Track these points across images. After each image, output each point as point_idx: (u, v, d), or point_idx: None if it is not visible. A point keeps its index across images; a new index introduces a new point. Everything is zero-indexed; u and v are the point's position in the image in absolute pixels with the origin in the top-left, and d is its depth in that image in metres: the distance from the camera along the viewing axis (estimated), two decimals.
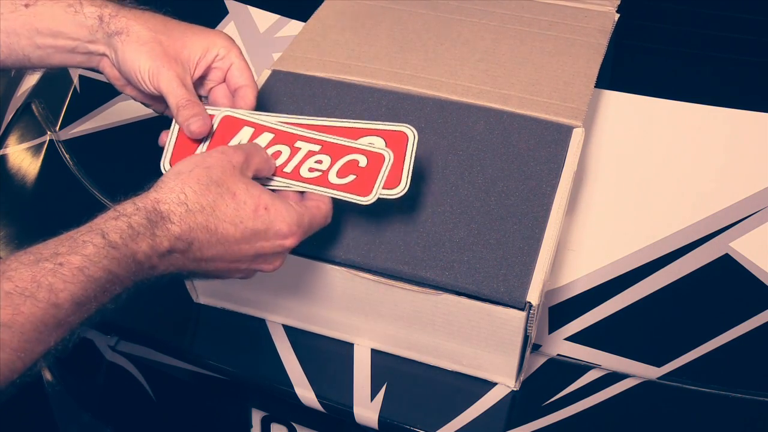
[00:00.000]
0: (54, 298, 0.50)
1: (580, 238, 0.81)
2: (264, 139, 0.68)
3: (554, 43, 0.89)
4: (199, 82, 0.77)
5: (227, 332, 0.77)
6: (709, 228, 0.81)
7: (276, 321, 0.76)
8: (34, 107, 1.03)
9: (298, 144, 0.68)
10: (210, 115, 0.71)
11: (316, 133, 0.69)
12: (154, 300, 0.79)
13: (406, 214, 0.71)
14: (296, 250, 0.69)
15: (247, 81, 0.75)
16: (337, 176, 0.66)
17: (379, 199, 0.64)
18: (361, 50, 0.88)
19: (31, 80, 1.08)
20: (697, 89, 0.95)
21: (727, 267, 0.78)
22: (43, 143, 0.98)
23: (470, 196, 0.72)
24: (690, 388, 0.70)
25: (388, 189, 0.65)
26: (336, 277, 0.69)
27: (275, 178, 0.66)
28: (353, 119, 0.70)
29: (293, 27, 1.04)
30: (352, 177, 0.66)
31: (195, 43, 0.74)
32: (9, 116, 1.05)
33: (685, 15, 1.01)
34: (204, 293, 0.78)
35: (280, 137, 0.68)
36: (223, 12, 1.08)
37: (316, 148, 0.68)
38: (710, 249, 0.79)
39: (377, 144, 0.68)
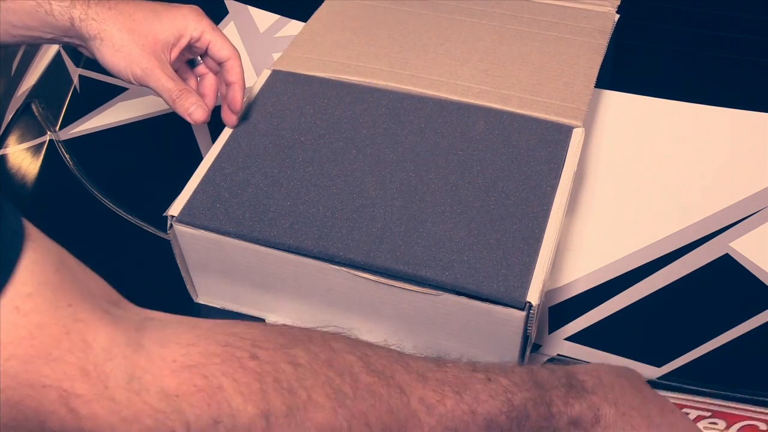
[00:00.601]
0: (476, 406, 0.52)
1: (580, 238, 0.81)
2: None
3: (554, 44, 0.89)
4: (189, 65, 0.80)
5: None
6: (709, 228, 0.81)
7: (276, 321, 0.76)
8: (34, 107, 1.03)
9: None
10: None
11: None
12: (154, 300, 0.79)
13: (406, 214, 0.71)
14: (296, 250, 0.69)
15: (230, 53, 0.77)
16: None
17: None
18: (361, 50, 0.88)
19: (31, 80, 1.08)
20: (697, 89, 0.95)
21: (727, 267, 0.78)
22: (43, 143, 0.98)
23: (470, 196, 0.72)
24: (690, 388, 0.70)
25: None
26: (336, 277, 0.69)
27: None
28: None
29: (293, 27, 1.04)
30: None
31: (166, 30, 0.74)
32: (9, 116, 1.05)
33: (685, 15, 1.01)
34: (204, 293, 0.78)
35: None
36: (223, 12, 1.08)
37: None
38: (710, 249, 0.79)
39: None
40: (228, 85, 0.78)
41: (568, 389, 0.55)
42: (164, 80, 0.73)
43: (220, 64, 0.78)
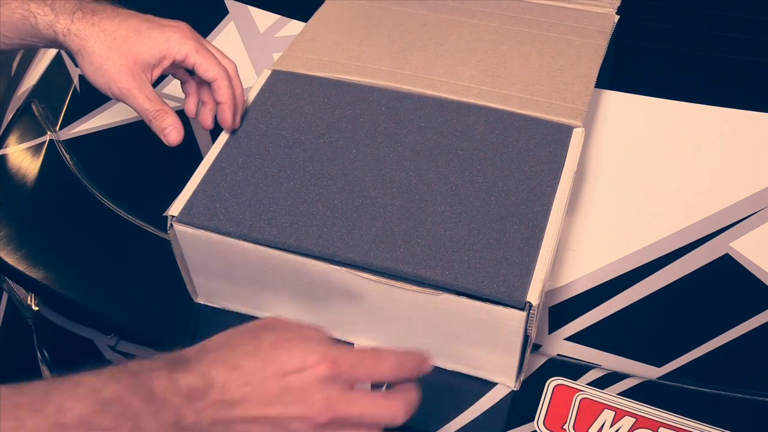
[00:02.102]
0: (61, 417, 0.48)
1: (580, 238, 0.81)
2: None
3: (554, 44, 0.89)
4: (182, 80, 0.80)
5: None
6: (709, 228, 0.81)
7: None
8: (34, 107, 1.03)
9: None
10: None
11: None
12: (154, 300, 0.80)
13: (406, 213, 0.71)
14: (297, 250, 0.69)
15: (215, 74, 0.76)
16: None
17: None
18: (361, 50, 0.88)
19: (31, 80, 1.08)
20: (698, 89, 0.95)
21: (727, 267, 0.78)
22: (43, 143, 0.98)
23: (470, 196, 0.72)
24: (690, 388, 0.70)
25: None
26: (336, 277, 0.69)
27: None
28: None
29: (293, 27, 1.04)
30: None
31: (148, 51, 0.75)
32: (9, 116, 1.05)
33: (685, 15, 1.01)
34: (204, 293, 0.78)
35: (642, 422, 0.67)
36: (223, 12, 1.08)
37: None
38: (710, 249, 0.79)
39: None
40: (217, 104, 0.78)
41: (171, 368, 0.52)
42: (141, 100, 0.75)
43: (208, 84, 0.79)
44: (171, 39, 0.76)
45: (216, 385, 0.52)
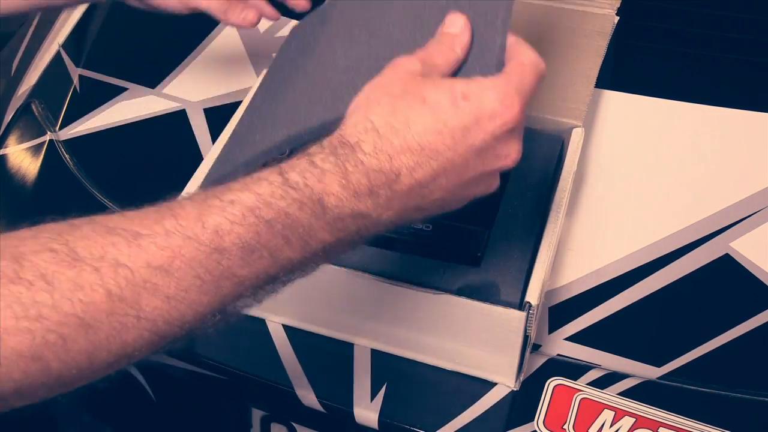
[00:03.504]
0: (219, 241, 0.42)
1: (580, 238, 0.81)
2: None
3: (554, 45, 0.89)
4: None
5: (227, 332, 0.77)
6: (709, 228, 0.81)
7: (276, 321, 0.76)
8: (33, 107, 1.03)
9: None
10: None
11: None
12: None
13: None
14: None
15: None
16: None
17: None
18: None
19: (31, 80, 1.08)
20: (697, 89, 0.95)
21: (727, 267, 0.78)
22: (43, 143, 0.97)
23: None
24: (690, 388, 0.70)
25: None
26: (336, 277, 0.69)
27: None
28: None
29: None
30: None
31: None
32: (9, 116, 1.05)
33: (685, 15, 1.01)
34: None
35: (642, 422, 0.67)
36: None
37: None
38: (710, 249, 0.79)
39: None
40: None
41: (345, 163, 0.45)
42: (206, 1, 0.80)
43: None
44: None
45: (403, 175, 0.47)
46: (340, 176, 0.45)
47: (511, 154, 0.50)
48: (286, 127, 0.61)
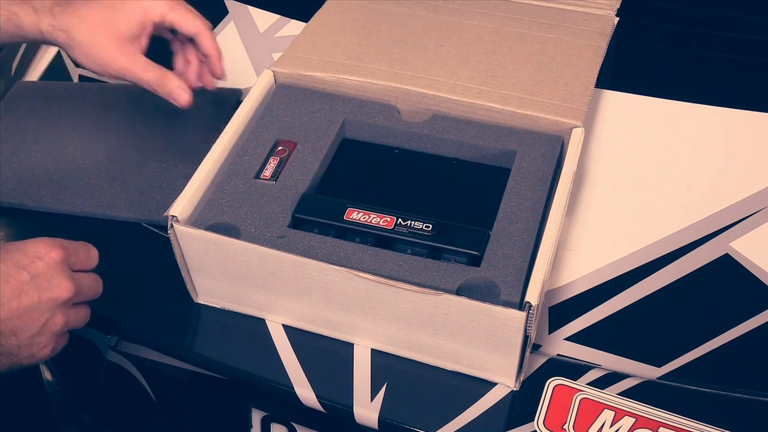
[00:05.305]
0: None
1: (580, 238, 0.81)
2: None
3: (554, 45, 0.89)
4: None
5: (227, 332, 0.77)
6: (709, 228, 0.81)
7: (276, 321, 0.76)
8: None
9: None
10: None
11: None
12: (154, 300, 0.80)
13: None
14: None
15: (197, 28, 0.78)
16: None
17: None
18: (362, 50, 0.88)
19: (30, 80, 1.08)
20: (698, 89, 0.95)
21: (727, 267, 0.78)
22: None
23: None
24: (690, 388, 0.70)
25: None
26: (336, 277, 0.69)
27: None
28: None
29: (293, 27, 1.04)
30: None
31: (127, 23, 0.75)
32: None
33: (685, 15, 1.01)
34: (204, 293, 0.78)
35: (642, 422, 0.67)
36: (223, 12, 1.08)
37: None
38: (710, 249, 0.79)
39: None
40: (205, 57, 0.79)
41: None
42: (139, 74, 0.76)
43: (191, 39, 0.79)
44: (144, 4, 0.76)
45: None
46: None
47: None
48: None
